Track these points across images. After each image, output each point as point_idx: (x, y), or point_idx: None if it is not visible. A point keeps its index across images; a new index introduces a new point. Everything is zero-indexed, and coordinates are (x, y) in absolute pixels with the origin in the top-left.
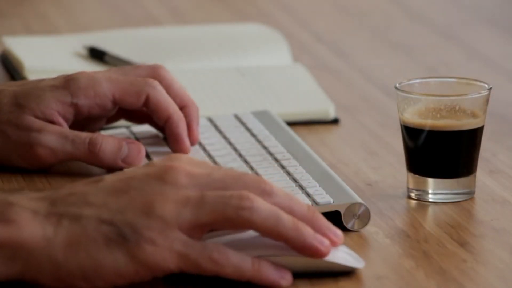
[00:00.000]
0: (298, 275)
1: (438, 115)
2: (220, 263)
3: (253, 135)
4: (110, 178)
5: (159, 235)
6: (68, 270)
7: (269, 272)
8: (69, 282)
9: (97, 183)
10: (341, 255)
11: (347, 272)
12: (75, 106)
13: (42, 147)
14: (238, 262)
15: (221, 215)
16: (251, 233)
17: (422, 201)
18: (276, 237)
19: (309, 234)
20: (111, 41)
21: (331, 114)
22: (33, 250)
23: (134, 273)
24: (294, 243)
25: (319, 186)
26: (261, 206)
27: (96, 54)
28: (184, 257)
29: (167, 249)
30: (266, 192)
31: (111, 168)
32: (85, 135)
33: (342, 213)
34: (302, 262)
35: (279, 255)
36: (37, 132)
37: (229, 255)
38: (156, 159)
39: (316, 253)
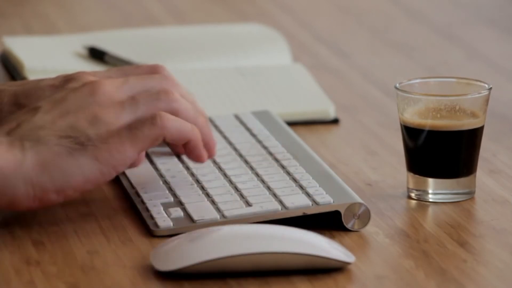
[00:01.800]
0: (298, 274)
1: (438, 115)
2: (163, 125)
3: (253, 135)
4: (46, 105)
5: (108, 135)
6: (41, 186)
7: (206, 136)
8: (42, 198)
9: (37, 110)
10: (334, 252)
11: (344, 270)
12: None
13: None
14: (179, 124)
15: (155, 110)
16: (249, 229)
17: (422, 201)
18: (189, 125)
19: (209, 134)
20: (111, 41)
21: (331, 114)
22: (9, 175)
23: (99, 174)
24: (193, 142)
25: (319, 186)
26: (182, 99)
27: (96, 54)
28: (135, 139)
29: (118, 142)
30: (176, 85)
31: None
32: None
33: (342, 213)
34: (299, 259)
35: (278, 252)
36: None
37: (170, 119)
38: (70, 80)
39: (198, 159)
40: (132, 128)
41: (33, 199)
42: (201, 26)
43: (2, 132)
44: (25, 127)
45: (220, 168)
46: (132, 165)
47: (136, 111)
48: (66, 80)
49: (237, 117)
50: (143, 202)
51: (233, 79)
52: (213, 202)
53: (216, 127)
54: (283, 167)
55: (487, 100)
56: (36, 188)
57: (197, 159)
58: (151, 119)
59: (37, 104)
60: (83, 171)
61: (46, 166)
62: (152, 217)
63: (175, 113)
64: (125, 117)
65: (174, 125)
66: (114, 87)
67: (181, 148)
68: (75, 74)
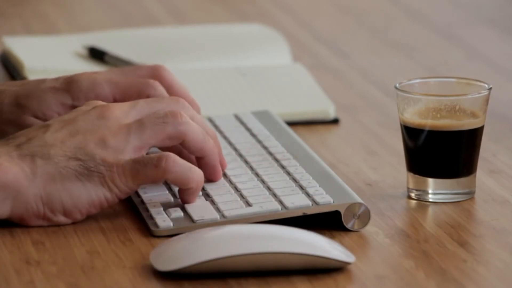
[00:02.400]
0: (298, 274)
1: (438, 115)
2: (166, 169)
3: (253, 135)
4: (56, 123)
5: (113, 163)
6: (50, 206)
7: (216, 159)
8: (50, 218)
9: (47, 128)
10: (334, 252)
11: (344, 271)
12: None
13: None
14: (183, 169)
15: (162, 133)
16: (249, 229)
17: (422, 201)
18: (200, 151)
19: (218, 158)
20: (111, 41)
21: (331, 114)
22: (20, 190)
23: (104, 199)
24: (209, 161)
25: (319, 186)
26: (191, 121)
27: (96, 54)
28: (136, 175)
29: (121, 173)
30: (185, 107)
31: None
32: None
33: (342, 213)
34: (299, 259)
35: (278, 252)
36: None
37: (175, 163)
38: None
39: (214, 177)
40: (136, 163)
41: (43, 217)
42: (201, 26)
43: (11, 145)
44: (35, 143)
45: None
46: None
47: (142, 135)
48: (68, 82)
49: (237, 117)
50: (143, 202)
51: (233, 79)
52: (213, 202)
53: (216, 127)
54: (283, 167)
55: (487, 100)
56: (46, 208)
57: (186, 201)
58: (156, 161)
59: (47, 122)
60: (90, 195)
61: (55, 187)
62: (152, 217)
63: (182, 136)
64: (132, 141)
65: (177, 169)
66: (122, 111)
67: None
68: (76, 75)
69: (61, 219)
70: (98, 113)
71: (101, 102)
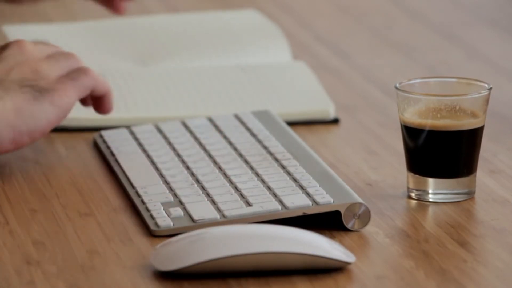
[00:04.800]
0: (298, 274)
1: (438, 115)
2: (93, 76)
3: (253, 135)
4: None
5: (55, 83)
6: (19, 130)
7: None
8: (18, 141)
9: None
10: (335, 252)
11: (344, 270)
12: None
13: None
14: (102, 77)
15: (73, 64)
16: (249, 229)
17: (422, 201)
18: (103, 88)
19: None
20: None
21: (331, 114)
22: (1, 122)
23: (56, 117)
24: (109, 93)
25: (319, 186)
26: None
27: None
28: (75, 86)
29: (63, 89)
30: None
31: None
32: None
33: (342, 213)
34: (299, 259)
35: (278, 252)
36: None
37: (95, 72)
38: None
39: (109, 110)
40: (71, 78)
41: (11, 142)
42: (195, 15)
43: None
44: None
45: (220, 168)
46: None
47: (58, 65)
48: None
49: (237, 117)
50: (143, 202)
51: (234, 76)
52: (213, 202)
53: (216, 127)
54: (283, 167)
55: (487, 100)
56: (15, 132)
57: (109, 110)
58: (84, 71)
59: None
60: (46, 115)
61: (20, 110)
62: (152, 217)
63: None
64: (55, 70)
65: (99, 77)
66: (33, 44)
67: (89, 101)
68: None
69: (25, 139)
70: (17, 48)
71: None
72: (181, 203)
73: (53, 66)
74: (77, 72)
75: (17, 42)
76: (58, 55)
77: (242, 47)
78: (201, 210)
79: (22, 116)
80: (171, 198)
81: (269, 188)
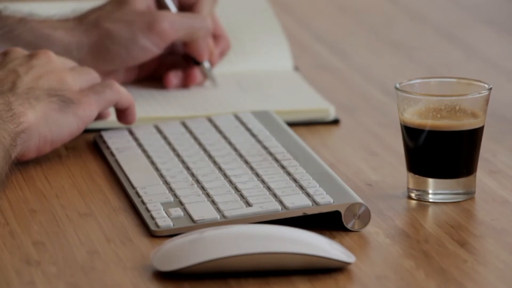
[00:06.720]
0: (298, 274)
1: (438, 115)
2: (119, 90)
3: (253, 135)
4: (21, 68)
5: (80, 96)
6: (44, 138)
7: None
8: (41, 149)
9: (17, 73)
10: (335, 252)
11: (344, 271)
12: None
13: (165, 21)
14: (124, 90)
15: (94, 78)
16: (249, 229)
17: (422, 201)
18: (127, 101)
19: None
20: None
21: (331, 114)
22: (32, 130)
23: (77, 128)
24: (132, 106)
25: (320, 186)
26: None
27: None
28: (98, 100)
29: (88, 102)
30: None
31: None
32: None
33: (342, 213)
34: (299, 259)
35: (278, 252)
36: (156, 12)
37: (119, 85)
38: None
39: (132, 121)
40: (95, 91)
41: (36, 149)
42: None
43: (4, 90)
44: (21, 87)
45: (220, 168)
46: (99, 117)
47: (81, 77)
48: (4, 54)
49: (237, 117)
50: (143, 202)
51: (233, 90)
52: (213, 202)
53: (216, 127)
54: (283, 167)
55: (487, 100)
56: (41, 140)
57: (131, 121)
58: (109, 85)
59: (11, 69)
60: (69, 125)
61: (47, 119)
62: (152, 217)
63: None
64: (78, 82)
65: (122, 90)
66: (57, 56)
67: (106, 115)
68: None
69: (47, 148)
70: (44, 57)
71: (24, 52)
72: (181, 203)
73: (76, 79)
74: (102, 86)
75: (44, 51)
76: (79, 68)
77: (242, 52)
78: (201, 210)
79: (48, 125)
80: (171, 198)
81: (269, 189)
